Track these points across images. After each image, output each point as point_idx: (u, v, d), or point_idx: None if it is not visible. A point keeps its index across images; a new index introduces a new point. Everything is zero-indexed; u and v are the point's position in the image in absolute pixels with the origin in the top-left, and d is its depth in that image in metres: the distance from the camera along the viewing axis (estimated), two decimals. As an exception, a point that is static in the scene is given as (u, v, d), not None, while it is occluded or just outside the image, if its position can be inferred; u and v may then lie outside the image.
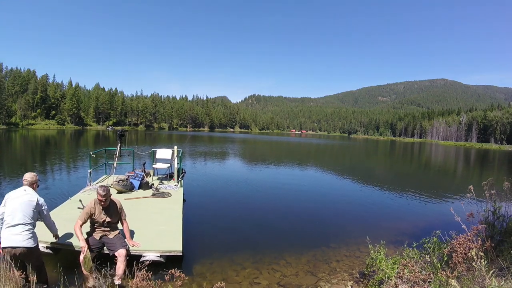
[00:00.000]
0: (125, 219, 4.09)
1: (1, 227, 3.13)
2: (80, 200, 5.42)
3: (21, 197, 3.24)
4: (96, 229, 3.89)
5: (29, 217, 3.18)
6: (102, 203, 3.79)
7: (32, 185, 3.50)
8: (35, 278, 2.88)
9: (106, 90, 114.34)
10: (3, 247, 3.03)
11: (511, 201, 4.07)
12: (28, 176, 3.51)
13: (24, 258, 3.13)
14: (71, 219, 4.42)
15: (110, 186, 7.26)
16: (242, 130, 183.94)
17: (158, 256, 3.93)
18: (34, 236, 3.21)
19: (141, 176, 7.65)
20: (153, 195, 6.83)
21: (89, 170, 7.60)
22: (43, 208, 3.43)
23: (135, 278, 2.65)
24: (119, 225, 4.14)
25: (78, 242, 3.95)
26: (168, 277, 2.40)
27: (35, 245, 3.19)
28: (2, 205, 3.23)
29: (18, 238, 3.03)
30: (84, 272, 3.53)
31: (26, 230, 3.11)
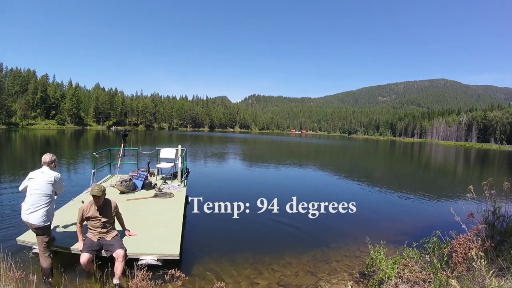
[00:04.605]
0: (120, 215, 4.22)
1: (25, 196, 3.66)
2: (82, 201, 5.43)
3: (40, 180, 3.64)
4: (93, 231, 3.88)
5: (47, 197, 3.63)
6: (96, 199, 3.82)
7: (50, 165, 3.85)
8: (35, 278, 2.88)
9: (106, 90, 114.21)
10: (24, 220, 3.60)
11: (511, 201, 4.07)
12: (47, 157, 3.85)
13: (37, 232, 3.64)
14: (73, 220, 4.42)
15: (113, 186, 7.26)
16: (242, 130, 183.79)
17: (155, 260, 3.92)
18: (49, 216, 3.67)
19: (144, 176, 7.65)
20: (155, 195, 6.81)
21: (93, 171, 7.57)
22: (60, 185, 3.85)
23: (135, 278, 2.65)
24: (116, 226, 4.20)
25: (77, 244, 3.98)
26: (168, 277, 2.40)
27: (48, 224, 3.66)
28: (26, 180, 3.70)
29: (33, 217, 3.54)
30: None
31: (43, 211, 3.58)
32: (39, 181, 3.65)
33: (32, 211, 3.56)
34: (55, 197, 3.91)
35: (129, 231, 4.44)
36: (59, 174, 3.87)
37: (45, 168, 3.80)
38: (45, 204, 3.63)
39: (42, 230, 3.63)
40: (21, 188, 3.75)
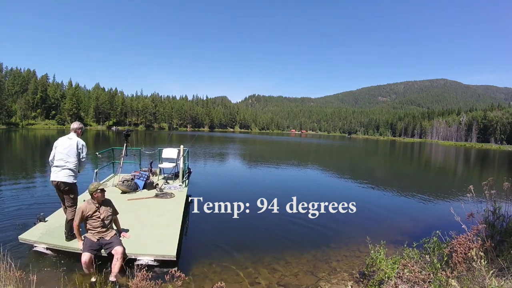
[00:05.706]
0: (116, 216, 4.32)
1: (52, 165, 4.23)
2: (84, 200, 5.43)
3: (66, 143, 4.26)
4: (93, 231, 3.90)
5: (72, 160, 4.20)
6: (96, 195, 3.90)
7: (77, 131, 4.43)
8: (35, 278, 2.88)
9: (106, 90, 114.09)
10: (51, 180, 4.16)
11: (511, 201, 4.07)
12: (75, 124, 4.47)
13: (64, 191, 4.18)
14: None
15: (115, 186, 7.27)
16: (242, 130, 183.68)
17: (153, 261, 3.93)
18: (73, 176, 4.23)
19: (146, 176, 7.66)
20: (156, 195, 6.82)
21: (95, 170, 7.55)
22: (82, 150, 4.34)
23: (135, 278, 2.65)
24: (114, 226, 4.26)
25: (76, 243, 4.02)
26: (168, 277, 2.40)
27: (72, 182, 4.21)
28: (53, 149, 4.27)
29: (61, 175, 4.12)
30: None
31: (68, 171, 4.16)
32: (65, 145, 4.22)
33: (59, 170, 4.11)
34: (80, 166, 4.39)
35: (126, 231, 4.48)
36: (84, 142, 4.39)
37: (72, 134, 4.37)
38: (72, 165, 4.17)
39: (69, 188, 4.16)
40: (50, 158, 4.29)
